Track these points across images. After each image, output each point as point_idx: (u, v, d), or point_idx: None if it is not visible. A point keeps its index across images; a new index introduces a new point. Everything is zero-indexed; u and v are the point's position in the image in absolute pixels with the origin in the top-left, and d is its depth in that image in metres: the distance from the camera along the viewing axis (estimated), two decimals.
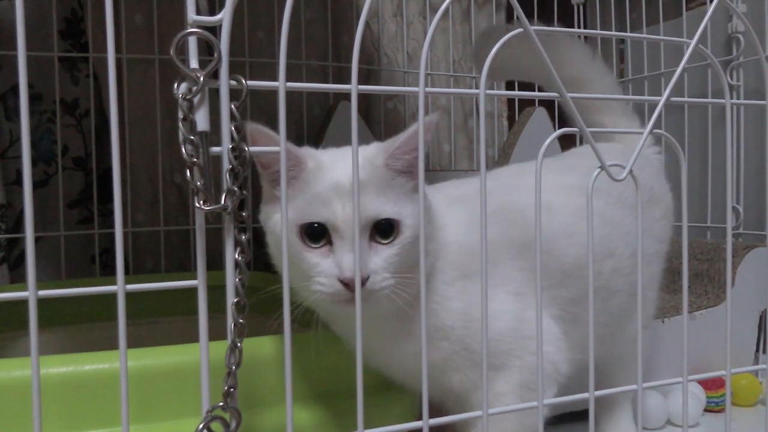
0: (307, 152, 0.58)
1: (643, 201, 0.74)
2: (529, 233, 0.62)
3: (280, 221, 0.50)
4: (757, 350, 1.12)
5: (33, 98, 1.27)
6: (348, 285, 0.52)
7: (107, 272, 1.30)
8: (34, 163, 1.28)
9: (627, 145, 0.87)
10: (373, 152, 0.57)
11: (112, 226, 0.41)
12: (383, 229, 0.55)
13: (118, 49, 1.23)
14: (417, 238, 0.55)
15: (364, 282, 0.52)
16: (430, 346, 0.59)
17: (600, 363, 0.63)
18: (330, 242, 0.55)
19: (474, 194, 0.54)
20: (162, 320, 1.09)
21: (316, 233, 0.55)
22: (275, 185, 0.57)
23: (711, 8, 0.56)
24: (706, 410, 0.99)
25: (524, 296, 0.64)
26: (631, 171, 0.54)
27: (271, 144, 0.53)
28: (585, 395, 0.57)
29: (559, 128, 0.55)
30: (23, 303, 0.41)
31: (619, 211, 0.75)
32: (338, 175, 0.55)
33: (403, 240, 0.55)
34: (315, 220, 0.54)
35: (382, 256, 0.55)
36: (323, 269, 0.54)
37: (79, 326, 1.04)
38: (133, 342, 0.46)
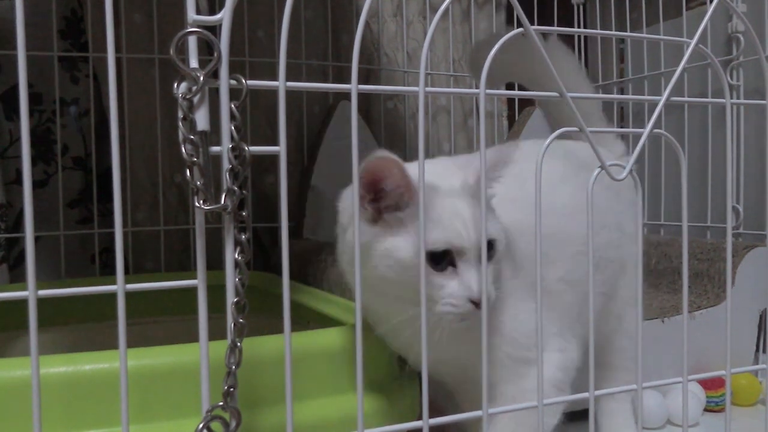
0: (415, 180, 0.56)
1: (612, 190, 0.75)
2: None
3: (404, 248, 0.55)
4: (757, 350, 1.12)
5: (33, 98, 1.27)
6: (477, 303, 0.55)
7: (107, 272, 1.30)
8: (34, 162, 1.28)
9: (606, 147, 0.87)
10: (462, 175, 0.59)
11: (111, 225, 0.41)
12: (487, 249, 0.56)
13: (118, 49, 1.23)
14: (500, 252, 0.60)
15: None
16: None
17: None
18: (453, 264, 0.56)
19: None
20: (162, 320, 1.09)
21: (439, 256, 0.56)
22: (390, 210, 0.57)
23: (711, 8, 0.56)
24: (705, 410, 0.99)
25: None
26: (631, 170, 0.54)
27: (397, 175, 0.55)
28: (585, 395, 0.57)
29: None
30: (23, 302, 0.41)
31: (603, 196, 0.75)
32: (454, 203, 0.57)
33: (498, 256, 0.60)
34: (442, 247, 0.56)
35: (490, 271, 0.57)
36: (452, 291, 0.56)
37: (78, 326, 1.04)
38: (133, 341, 0.46)
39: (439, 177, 0.58)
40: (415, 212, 0.55)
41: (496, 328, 0.63)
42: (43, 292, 0.42)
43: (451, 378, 0.70)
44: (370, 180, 0.55)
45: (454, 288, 0.56)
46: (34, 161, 1.28)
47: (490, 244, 0.58)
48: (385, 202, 0.57)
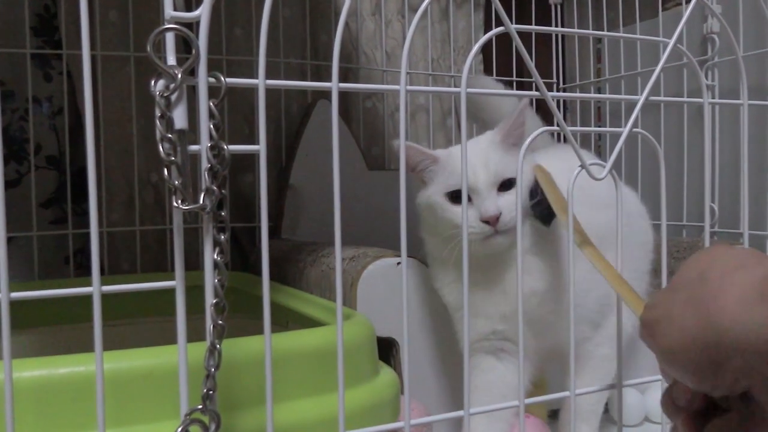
0: (436, 152, 0.76)
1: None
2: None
3: (430, 193, 0.75)
4: None
5: (5, 95, 1.25)
6: (489, 222, 0.71)
7: (82, 273, 1.28)
8: (6, 161, 1.25)
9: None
10: (491, 135, 0.77)
11: (86, 225, 0.40)
12: (506, 185, 0.73)
13: (92, 46, 1.21)
14: (526, 188, 0.72)
15: (498, 218, 0.71)
16: (562, 298, 0.75)
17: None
18: (469, 200, 0.72)
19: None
20: (138, 321, 1.08)
21: (457, 195, 0.72)
22: (422, 176, 0.77)
23: (689, 8, 0.56)
24: None
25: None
26: (611, 170, 0.55)
27: (418, 155, 0.75)
28: (566, 394, 0.57)
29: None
30: None
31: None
32: (470, 156, 0.69)
33: (514, 190, 0.72)
34: (457, 187, 0.72)
35: (506, 199, 0.72)
36: (470, 217, 0.71)
37: (53, 328, 1.03)
38: (110, 344, 0.45)
39: (471, 144, 0.75)
40: (437, 170, 0.75)
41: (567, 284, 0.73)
42: (15, 295, 0.41)
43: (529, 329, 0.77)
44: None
45: (470, 214, 0.71)
46: (6, 160, 1.25)
47: (510, 182, 0.73)
48: (419, 168, 0.76)
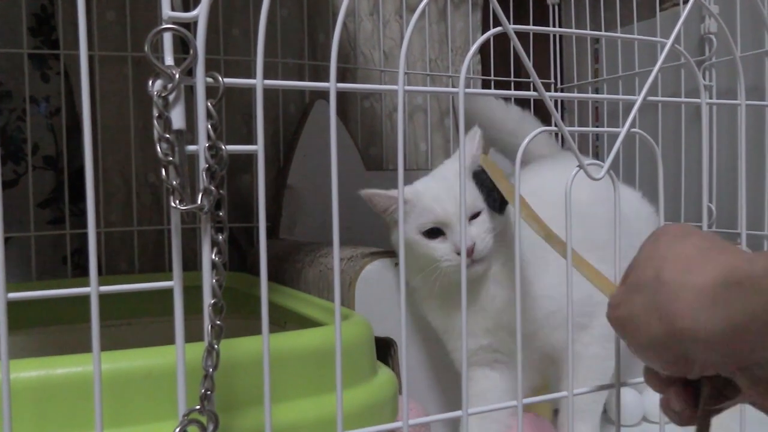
0: (407, 190, 0.79)
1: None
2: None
3: (408, 231, 0.77)
4: None
5: (2, 96, 1.24)
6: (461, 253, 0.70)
7: (79, 273, 1.28)
8: (4, 161, 1.25)
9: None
10: (453, 164, 0.83)
11: (84, 226, 0.40)
12: (475, 214, 0.77)
13: (90, 47, 1.21)
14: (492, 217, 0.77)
15: (473, 249, 0.74)
16: (535, 305, 0.79)
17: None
18: (443, 233, 0.77)
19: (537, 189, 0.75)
20: (136, 322, 1.08)
21: (431, 232, 0.77)
22: (394, 216, 0.81)
23: (687, 9, 0.56)
24: None
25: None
26: (609, 170, 0.55)
27: (385, 200, 0.80)
28: (564, 394, 0.57)
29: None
30: None
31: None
32: (437, 190, 0.79)
33: (483, 216, 0.77)
34: (429, 225, 0.77)
35: (477, 227, 0.76)
36: (443, 250, 0.76)
37: (51, 328, 1.02)
38: (107, 344, 0.45)
39: (431, 180, 0.82)
40: (408, 210, 0.78)
41: (546, 292, 0.80)
42: (13, 295, 0.41)
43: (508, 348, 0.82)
44: (373, 207, 0.81)
45: (444, 248, 0.76)
46: (4, 160, 1.25)
47: (477, 213, 0.76)
48: (389, 211, 0.81)
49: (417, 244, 0.78)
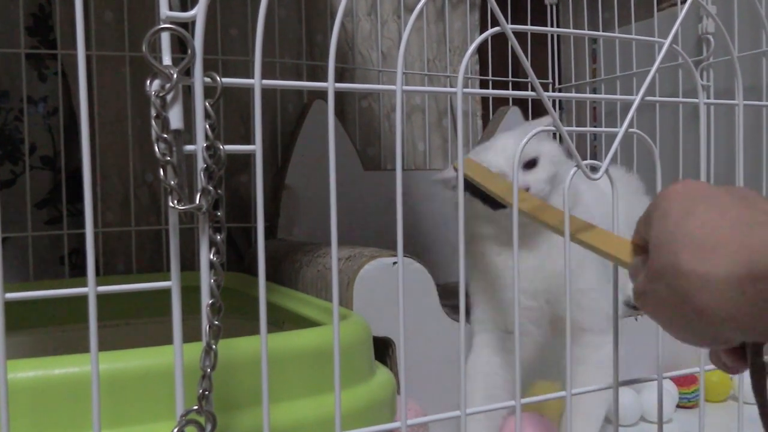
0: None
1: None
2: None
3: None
4: None
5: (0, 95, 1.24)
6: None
7: (77, 273, 1.28)
8: (1, 161, 1.25)
9: None
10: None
11: (81, 226, 0.40)
12: (529, 164, 0.79)
13: (87, 46, 1.21)
14: (555, 164, 0.81)
15: (528, 190, 0.77)
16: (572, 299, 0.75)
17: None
18: None
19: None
20: (134, 322, 1.07)
21: None
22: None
23: (685, 9, 0.56)
24: (678, 406, 1.01)
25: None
26: (607, 170, 0.55)
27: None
28: (563, 393, 0.57)
29: None
30: None
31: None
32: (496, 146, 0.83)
33: (544, 164, 0.80)
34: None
35: (532, 175, 0.79)
36: None
37: (48, 329, 1.02)
38: (105, 345, 0.45)
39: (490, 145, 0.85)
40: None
41: (583, 277, 0.81)
42: (11, 295, 0.41)
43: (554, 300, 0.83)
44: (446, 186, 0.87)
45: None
46: (1, 160, 1.25)
47: (534, 161, 0.80)
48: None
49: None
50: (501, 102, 1.62)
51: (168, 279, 0.43)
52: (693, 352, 0.64)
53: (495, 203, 0.76)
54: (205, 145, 0.43)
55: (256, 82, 0.45)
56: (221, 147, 0.44)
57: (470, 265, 0.87)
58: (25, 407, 0.52)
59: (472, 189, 0.74)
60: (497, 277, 0.85)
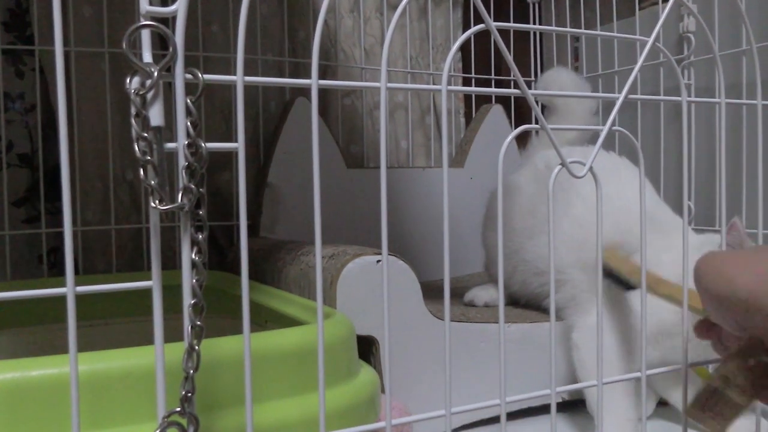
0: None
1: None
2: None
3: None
4: None
5: None
6: None
7: (55, 272, 1.26)
8: None
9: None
10: None
11: (60, 224, 0.39)
12: None
13: (65, 42, 1.19)
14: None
15: None
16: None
17: None
18: None
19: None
20: (114, 322, 1.06)
21: None
22: None
23: (667, 7, 0.57)
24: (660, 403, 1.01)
25: None
26: (591, 168, 0.55)
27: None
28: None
29: (515, 126, 0.55)
30: None
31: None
32: None
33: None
34: None
35: None
36: None
37: (26, 329, 1.01)
38: (85, 345, 0.44)
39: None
40: None
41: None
42: None
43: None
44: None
45: None
46: None
47: None
48: None
49: None
50: (483, 100, 1.62)
51: (149, 278, 0.42)
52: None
53: (628, 286, 0.78)
54: (186, 142, 0.42)
55: (239, 78, 0.44)
56: (203, 145, 0.43)
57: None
58: (2, 410, 0.51)
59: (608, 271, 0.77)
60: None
